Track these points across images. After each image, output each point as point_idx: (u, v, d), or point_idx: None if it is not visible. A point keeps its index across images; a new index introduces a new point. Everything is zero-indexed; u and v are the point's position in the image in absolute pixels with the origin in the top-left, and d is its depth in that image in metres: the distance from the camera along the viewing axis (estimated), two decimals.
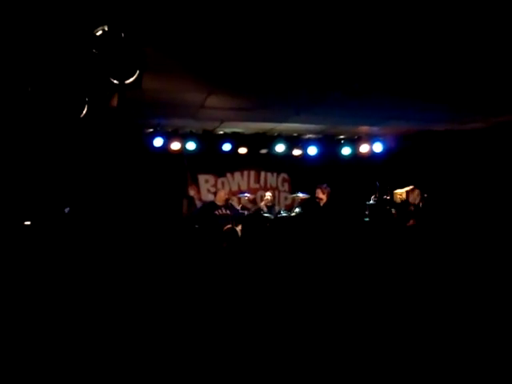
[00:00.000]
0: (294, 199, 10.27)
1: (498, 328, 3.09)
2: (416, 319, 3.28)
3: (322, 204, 8.93)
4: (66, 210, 7.48)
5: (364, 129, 9.67)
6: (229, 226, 8.34)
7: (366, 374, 2.56)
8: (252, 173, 10.94)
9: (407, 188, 8.92)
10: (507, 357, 2.70)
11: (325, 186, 8.97)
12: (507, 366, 2.61)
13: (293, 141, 10.10)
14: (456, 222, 7.36)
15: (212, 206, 9.02)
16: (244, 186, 10.76)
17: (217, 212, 8.87)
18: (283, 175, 11.18)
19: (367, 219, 8.86)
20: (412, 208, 8.43)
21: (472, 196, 8.83)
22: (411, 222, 8.35)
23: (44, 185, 7.46)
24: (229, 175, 10.73)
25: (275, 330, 2.67)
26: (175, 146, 9.30)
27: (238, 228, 8.34)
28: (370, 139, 10.26)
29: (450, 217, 7.80)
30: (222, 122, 8.65)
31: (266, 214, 8.97)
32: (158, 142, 9.12)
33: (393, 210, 8.69)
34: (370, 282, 4.08)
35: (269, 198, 9.76)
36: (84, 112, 4.87)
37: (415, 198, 8.55)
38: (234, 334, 2.65)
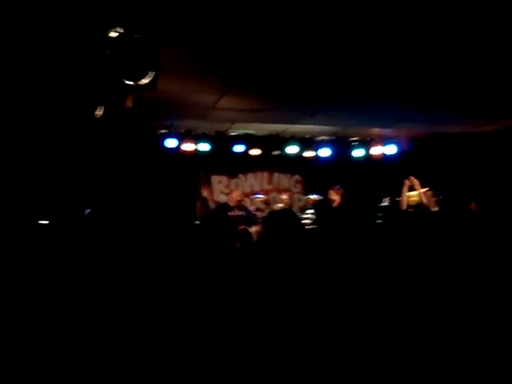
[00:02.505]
0: (306, 201, 10.27)
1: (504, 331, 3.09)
2: (429, 321, 3.28)
3: (334, 205, 8.90)
4: (87, 211, 7.54)
5: (377, 131, 9.66)
6: (242, 227, 8.38)
7: (369, 375, 2.57)
8: (265, 174, 10.96)
9: (420, 190, 8.87)
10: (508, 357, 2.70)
11: (338, 187, 8.91)
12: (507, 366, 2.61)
13: (305, 142, 10.11)
14: (470, 224, 7.32)
15: (225, 207, 9.05)
16: (257, 188, 10.78)
17: (230, 213, 8.90)
18: (296, 177, 11.18)
19: (380, 221, 8.84)
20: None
21: (485, 198, 8.76)
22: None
23: (63, 186, 7.55)
24: (241, 176, 10.76)
25: (285, 331, 2.68)
26: (188, 147, 9.35)
27: (252, 229, 8.37)
28: (383, 141, 10.25)
29: (464, 219, 7.76)
30: (233, 123, 8.69)
31: None
32: (170, 143, 9.19)
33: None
34: (381, 282, 4.08)
35: (287, 199, 9.83)
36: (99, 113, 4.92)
37: (429, 200, 8.50)
38: (242, 334, 2.67)
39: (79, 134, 6.66)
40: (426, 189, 8.77)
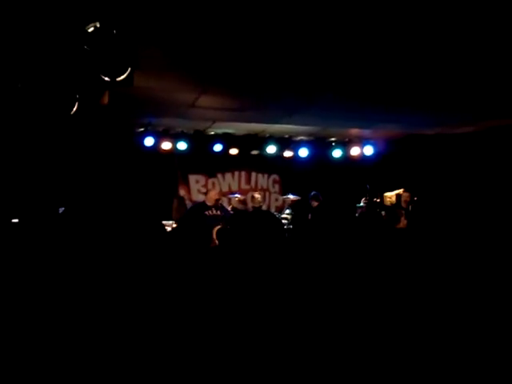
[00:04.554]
0: (284, 201, 10.26)
1: (498, 330, 3.10)
2: (411, 321, 3.27)
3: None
4: (60, 209, 7.39)
5: (355, 131, 9.70)
6: (219, 226, 8.30)
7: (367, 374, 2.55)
8: (243, 174, 10.92)
9: (397, 191, 8.95)
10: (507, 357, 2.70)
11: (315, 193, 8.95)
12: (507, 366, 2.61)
13: (284, 142, 10.13)
14: (445, 225, 7.38)
15: (202, 206, 8.98)
16: (235, 187, 10.74)
17: (207, 212, 8.83)
18: (274, 176, 11.17)
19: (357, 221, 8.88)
20: (402, 212, 8.42)
21: (462, 199, 8.87)
22: (402, 224, 8.34)
23: (37, 184, 7.39)
24: (220, 176, 10.71)
25: (274, 331, 2.64)
26: (166, 145, 9.29)
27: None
28: (361, 142, 10.31)
29: (440, 220, 7.83)
30: (213, 122, 8.63)
31: None
32: (148, 141, 9.11)
33: (383, 213, 8.70)
34: (362, 282, 4.06)
35: (259, 198, 9.72)
36: (74, 109, 4.82)
37: (405, 200, 8.58)
38: (233, 335, 2.62)
39: (54, 130, 6.53)
40: (402, 190, 8.85)
